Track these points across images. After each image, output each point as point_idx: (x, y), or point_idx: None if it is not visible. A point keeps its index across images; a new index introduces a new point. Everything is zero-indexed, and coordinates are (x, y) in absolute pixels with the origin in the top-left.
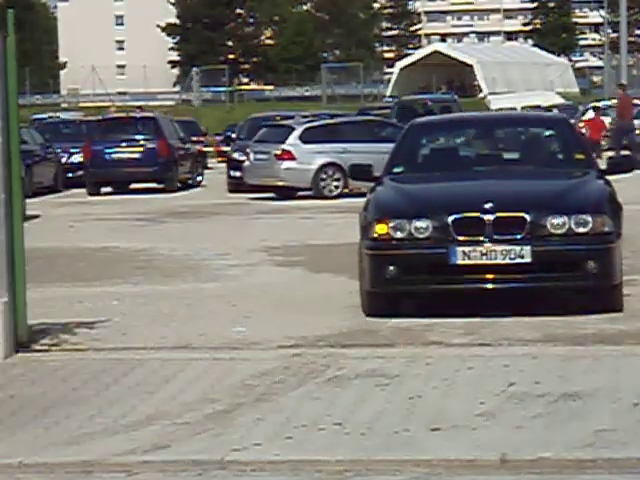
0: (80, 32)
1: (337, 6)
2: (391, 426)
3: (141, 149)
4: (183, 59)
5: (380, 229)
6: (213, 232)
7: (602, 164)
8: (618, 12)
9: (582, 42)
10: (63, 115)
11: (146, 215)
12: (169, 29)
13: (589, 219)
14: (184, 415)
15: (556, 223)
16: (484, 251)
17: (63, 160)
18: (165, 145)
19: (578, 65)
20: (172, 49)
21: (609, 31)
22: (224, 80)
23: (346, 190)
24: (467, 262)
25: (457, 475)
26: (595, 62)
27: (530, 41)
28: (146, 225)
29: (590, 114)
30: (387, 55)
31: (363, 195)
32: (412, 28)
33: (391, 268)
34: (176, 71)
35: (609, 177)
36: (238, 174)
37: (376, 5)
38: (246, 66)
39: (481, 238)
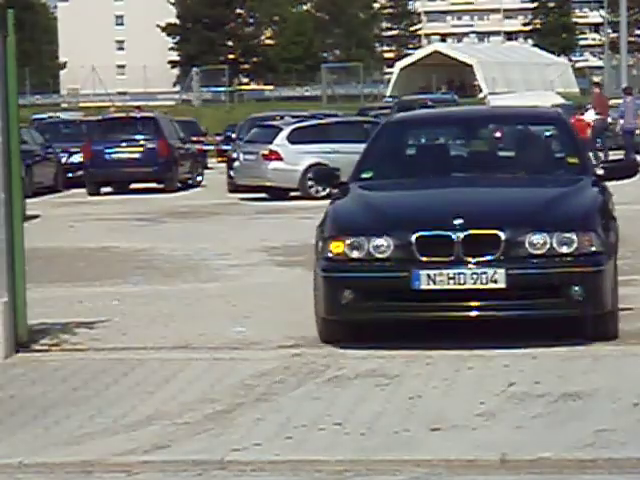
0: (80, 32)
1: (337, 6)
2: (391, 426)
3: (141, 149)
4: (183, 59)
5: (335, 248)
6: (213, 232)
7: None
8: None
9: (582, 42)
10: (63, 115)
11: (146, 215)
12: (169, 29)
13: (574, 237)
14: (184, 415)
15: (535, 242)
16: (451, 275)
17: (63, 160)
18: (165, 145)
19: (578, 65)
20: (172, 49)
21: (609, 31)
22: (224, 80)
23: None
24: (432, 287)
25: (457, 475)
26: (595, 62)
27: (530, 41)
28: (146, 225)
29: (590, 114)
30: (387, 55)
31: None
32: (412, 28)
33: (347, 293)
34: (176, 71)
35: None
36: None
37: (376, 5)
38: (246, 66)
39: (449, 259)
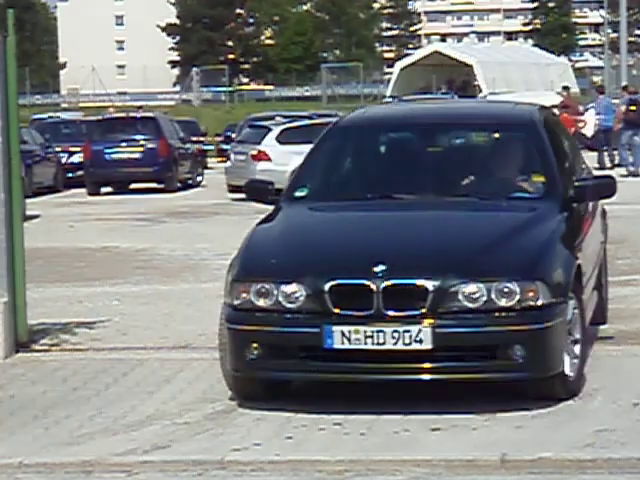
0: (80, 32)
1: (337, 6)
2: (391, 426)
3: (141, 149)
4: (183, 59)
5: (241, 293)
6: (213, 232)
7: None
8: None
9: (582, 42)
10: (63, 115)
11: (146, 215)
12: (169, 29)
13: (516, 288)
14: (184, 415)
15: (469, 293)
16: (369, 332)
17: (63, 160)
18: (165, 145)
19: (578, 65)
20: (172, 49)
21: (609, 31)
22: (224, 80)
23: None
24: (346, 347)
25: (457, 475)
26: (595, 62)
27: (530, 41)
28: (146, 225)
29: (590, 114)
30: (387, 55)
31: None
32: (412, 28)
33: (254, 348)
34: (176, 71)
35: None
36: None
37: (376, 5)
38: (246, 66)
39: (367, 314)
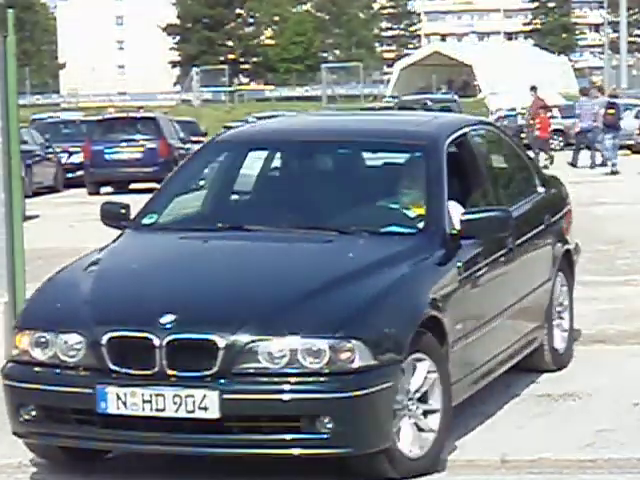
0: (80, 32)
1: (337, 6)
2: None
3: (141, 149)
4: (183, 59)
5: (19, 342)
6: None
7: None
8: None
9: (582, 42)
10: (63, 115)
11: None
12: (169, 29)
13: (325, 347)
14: None
15: (269, 352)
16: (147, 396)
17: (63, 160)
18: (165, 145)
19: (578, 65)
20: (172, 49)
21: (609, 31)
22: (224, 80)
23: None
24: (122, 412)
25: (457, 475)
26: (595, 62)
27: (530, 41)
28: None
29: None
30: (387, 55)
31: None
32: (412, 28)
33: (31, 408)
34: (176, 71)
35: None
36: None
37: (376, 5)
38: (246, 66)
39: (147, 373)
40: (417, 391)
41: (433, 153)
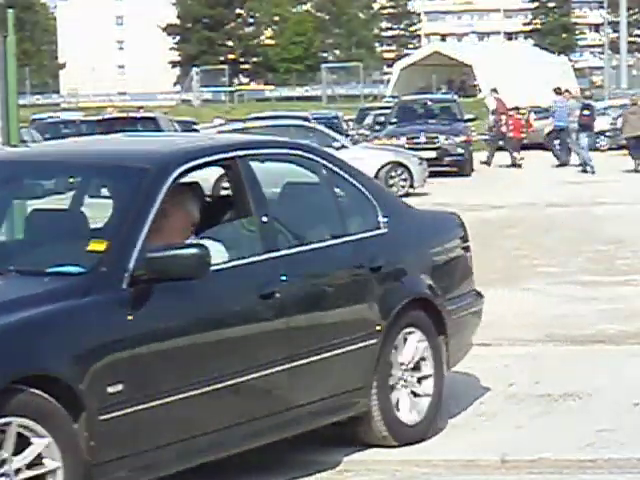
0: (80, 32)
1: (337, 6)
2: None
3: None
4: (183, 59)
5: None
6: None
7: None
8: (618, 12)
9: (582, 42)
10: (63, 115)
11: None
12: (169, 29)
13: None
14: None
15: None
16: None
17: None
18: None
19: (578, 65)
20: (172, 49)
21: (609, 31)
22: (224, 80)
23: None
24: None
25: (457, 475)
26: (595, 62)
27: (530, 41)
28: None
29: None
30: (387, 55)
31: None
32: (412, 28)
33: None
34: (176, 71)
35: None
36: None
37: (376, 5)
38: (246, 66)
39: None
40: None
41: (139, 183)
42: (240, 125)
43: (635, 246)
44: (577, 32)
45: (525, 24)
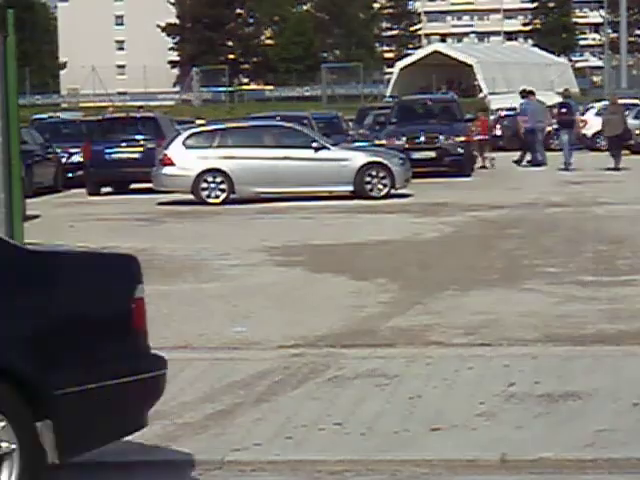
0: (80, 32)
1: (337, 6)
2: (391, 426)
3: (141, 149)
4: (183, 59)
5: None
6: (213, 232)
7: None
8: (618, 12)
9: (582, 42)
10: (63, 115)
11: (146, 215)
12: (169, 29)
13: None
14: (184, 415)
15: None
16: None
17: (63, 160)
18: None
19: (578, 65)
20: (172, 49)
21: (609, 31)
22: (224, 80)
23: (234, 196)
24: None
25: (457, 475)
26: (595, 62)
27: (530, 41)
28: (146, 225)
29: (590, 114)
30: (387, 55)
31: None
32: (412, 28)
33: None
34: (176, 71)
35: None
36: None
37: (376, 5)
38: (246, 66)
39: None
40: None
41: None
42: (220, 125)
43: (635, 246)
44: (577, 32)
45: (525, 24)
